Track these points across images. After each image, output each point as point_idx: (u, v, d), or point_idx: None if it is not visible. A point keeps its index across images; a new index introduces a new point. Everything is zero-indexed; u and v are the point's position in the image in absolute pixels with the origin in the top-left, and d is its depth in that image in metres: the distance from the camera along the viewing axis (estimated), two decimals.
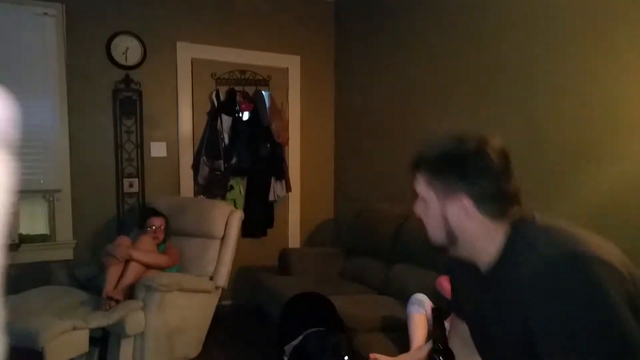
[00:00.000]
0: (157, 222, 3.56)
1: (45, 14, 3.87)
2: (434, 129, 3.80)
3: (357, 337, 2.68)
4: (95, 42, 4.06)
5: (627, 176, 2.51)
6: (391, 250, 3.70)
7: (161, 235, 3.55)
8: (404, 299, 3.23)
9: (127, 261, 3.23)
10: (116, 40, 4.10)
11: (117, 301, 3.01)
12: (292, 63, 4.88)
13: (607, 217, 2.57)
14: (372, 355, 2.33)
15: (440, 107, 3.75)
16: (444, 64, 3.71)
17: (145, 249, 3.34)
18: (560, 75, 2.86)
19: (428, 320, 2.59)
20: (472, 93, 3.47)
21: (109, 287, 3.11)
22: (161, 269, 3.34)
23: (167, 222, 3.63)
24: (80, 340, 2.74)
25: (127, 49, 4.15)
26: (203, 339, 3.46)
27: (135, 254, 3.25)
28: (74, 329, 2.70)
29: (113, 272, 3.19)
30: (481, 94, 3.40)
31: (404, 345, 2.52)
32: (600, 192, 2.63)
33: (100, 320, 2.84)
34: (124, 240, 3.36)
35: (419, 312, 2.61)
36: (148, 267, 3.28)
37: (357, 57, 4.77)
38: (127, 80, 4.15)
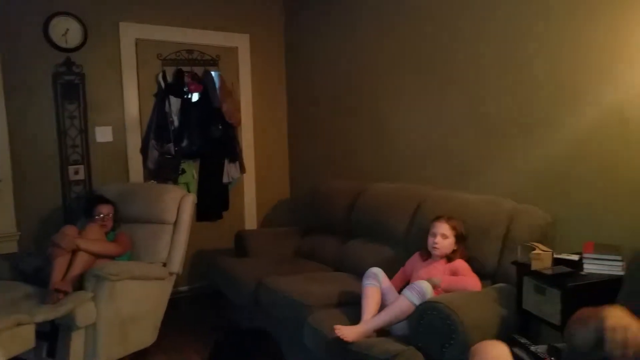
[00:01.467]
0: (104, 210, 3.46)
1: None
2: (384, 106, 3.82)
3: (313, 313, 2.69)
4: (31, 24, 3.85)
5: (565, 144, 2.58)
6: (345, 227, 3.72)
7: (109, 223, 3.46)
8: (359, 274, 3.26)
9: (75, 251, 3.13)
10: (54, 22, 3.90)
11: (66, 293, 2.92)
12: (241, 42, 4.78)
13: (553, 187, 2.65)
14: (335, 327, 2.37)
15: (391, 84, 3.77)
16: (394, 41, 3.71)
17: (93, 238, 3.24)
18: (501, 48, 2.91)
19: (382, 293, 2.61)
20: (421, 70, 3.51)
21: (55, 278, 3.00)
22: (111, 257, 3.25)
23: (115, 210, 3.52)
24: (25, 336, 2.65)
25: (67, 30, 3.96)
26: (158, 326, 3.40)
27: (83, 244, 3.14)
28: (18, 324, 2.60)
29: (60, 263, 3.08)
30: (429, 71, 3.44)
31: (359, 318, 2.53)
32: (547, 162, 2.70)
33: (47, 313, 2.74)
34: (70, 230, 3.24)
35: (373, 284, 2.62)
36: (97, 256, 3.18)
37: (308, 34, 4.71)
38: (68, 63, 3.98)
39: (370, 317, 2.49)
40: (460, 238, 2.63)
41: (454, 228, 2.62)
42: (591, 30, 2.43)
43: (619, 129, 2.33)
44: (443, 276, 2.52)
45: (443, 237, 2.61)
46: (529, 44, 2.74)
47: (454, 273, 2.55)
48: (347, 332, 2.36)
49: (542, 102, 2.68)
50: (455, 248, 2.61)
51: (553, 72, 2.62)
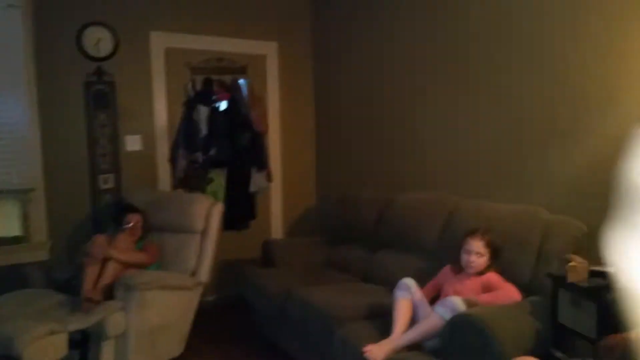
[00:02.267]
0: (133, 219, 3.47)
1: (10, 5, 3.71)
2: (413, 114, 3.77)
3: (343, 326, 2.65)
4: (65, 34, 3.91)
5: (599, 151, 2.53)
6: (374, 237, 3.67)
7: (138, 232, 3.47)
8: (389, 285, 3.22)
9: (105, 260, 3.14)
10: (87, 32, 3.97)
11: (97, 302, 2.93)
12: (269, 50, 4.78)
13: (588, 196, 2.59)
14: (365, 349, 2.35)
15: (420, 93, 3.73)
16: (423, 50, 3.68)
17: (123, 247, 3.26)
18: (533, 55, 2.87)
19: (414, 306, 2.56)
20: (450, 80, 3.47)
21: (87, 287, 3.03)
22: (140, 267, 3.26)
23: (144, 218, 3.54)
24: (58, 344, 2.67)
25: (99, 40, 4.02)
26: (186, 336, 3.40)
27: (114, 253, 3.17)
28: (52, 332, 2.63)
29: (91, 272, 3.11)
30: (461, 79, 3.39)
31: (389, 331, 2.50)
32: (582, 171, 2.64)
33: (78, 322, 2.77)
34: (100, 239, 3.27)
35: (405, 297, 2.58)
36: (127, 265, 3.19)
37: (336, 42, 4.69)
38: (99, 72, 4.03)
39: (401, 332, 2.45)
40: (494, 254, 2.56)
41: (488, 245, 2.54)
42: (631, 35, 2.37)
43: None
44: (478, 296, 2.43)
45: (478, 256, 2.53)
46: (565, 50, 2.68)
47: (487, 287, 2.48)
48: (377, 352, 2.34)
49: (578, 107, 2.63)
50: (489, 264, 2.55)
51: (589, 77, 2.57)
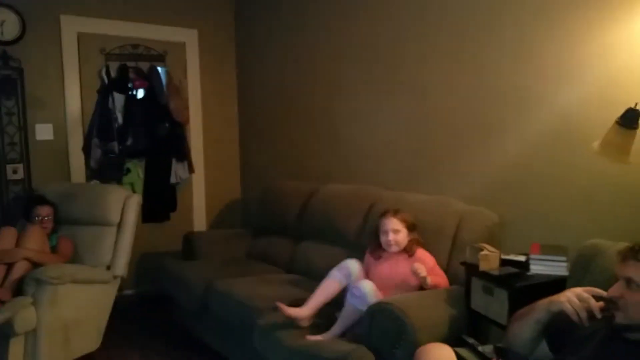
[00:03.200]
0: (43, 212, 3.32)
1: None
2: (336, 106, 3.83)
3: (263, 317, 2.65)
4: None
5: (515, 148, 2.66)
6: (297, 228, 3.70)
7: (49, 225, 3.33)
8: (311, 276, 3.27)
9: None
10: None
11: (4, 302, 2.77)
12: (189, 37, 4.68)
13: (501, 189, 2.72)
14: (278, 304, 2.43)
15: (341, 85, 3.78)
16: (343, 41, 3.72)
17: (36, 243, 3.12)
18: (452, 53, 2.96)
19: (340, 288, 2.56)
20: (370, 72, 3.53)
21: None
22: None
23: (55, 211, 3.39)
24: None
25: (3, 22, 3.79)
26: (103, 331, 3.29)
27: (27, 253, 3.03)
28: None
29: None
30: (380, 71, 3.45)
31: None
32: (496, 164, 2.76)
33: None
34: (9, 232, 3.12)
35: (335, 279, 2.57)
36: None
37: (258, 31, 4.66)
38: (5, 57, 3.79)
39: (311, 307, 2.49)
40: (411, 228, 2.62)
41: (403, 220, 2.61)
42: (545, 35, 2.49)
43: (568, 133, 2.40)
44: (429, 275, 2.44)
45: (395, 232, 2.59)
46: (480, 46, 2.79)
47: (429, 270, 2.50)
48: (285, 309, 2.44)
49: (493, 105, 2.74)
50: (410, 239, 2.61)
51: (505, 77, 2.68)
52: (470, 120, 2.88)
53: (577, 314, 1.42)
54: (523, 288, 2.06)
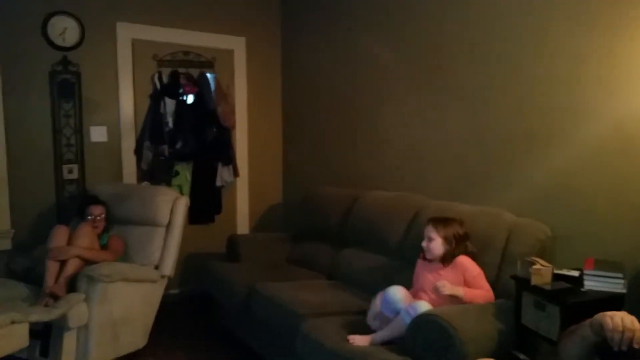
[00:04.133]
0: (96, 211, 3.43)
1: None
2: (381, 113, 3.83)
3: (306, 322, 2.66)
4: (30, 23, 3.84)
5: (567, 159, 2.61)
6: (340, 234, 3.70)
7: (101, 224, 3.44)
8: (352, 282, 3.29)
9: None
10: (53, 21, 3.90)
11: (58, 297, 2.89)
12: (237, 45, 4.78)
13: (553, 201, 2.67)
14: (350, 337, 2.40)
15: (388, 91, 3.78)
16: (394, 48, 3.72)
17: (86, 240, 3.22)
18: (503, 63, 2.93)
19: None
20: (421, 79, 3.51)
21: (49, 281, 2.99)
22: None
23: (107, 210, 3.50)
24: (20, 334, 2.64)
25: (65, 29, 3.96)
26: (149, 329, 3.38)
27: (78, 251, 3.14)
28: (13, 322, 2.58)
29: (52, 265, 3.06)
30: (429, 80, 3.44)
31: (355, 328, 2.53)
32: (548, 176, 2.71)
33: (41, 314, 2.72)
34: (62, 230, 3.24)
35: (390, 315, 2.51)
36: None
37: (304, 39, 4.72)
38: (65, 62, 3.97)
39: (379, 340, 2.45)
40: (449, 239, 2.57)
41: (438, 229, 2.58)
42: (594, 45, 2.46)
43: (622, 144, 2.36)
44: (465, 291, 2.43)
45: (429, 240, 2.58)
46: (533, 57, 2.76)
47: (469, 278, 2.49)
48: (359, 340, 2.40)
49: (544, 116, 2.70)
50: (447, 249, 2.56)
51: (556, 86, 2.64)
52: (520, 130, 2.83)
53: (612, 333, 1.40)
54: (576, 304, 2.01)
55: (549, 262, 2.28)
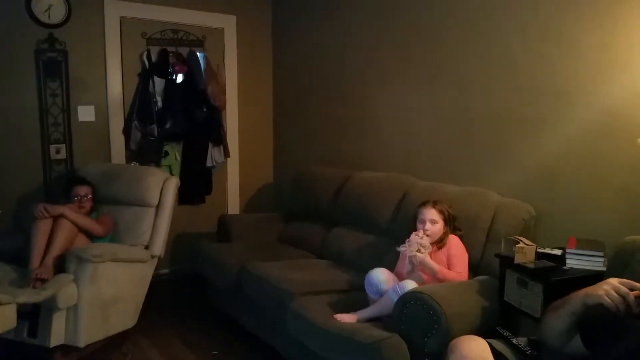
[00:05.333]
0: (82, 191, 3.40)
1: None
2: (371, 94, 3.82)
3: (296, 300, 2.70)
4: None
5: (554, 141, 2.62)
6: (330, 214, 3.73)
7: (88, 205, 3.40)
8: (342, 261, 3.31)
9: (56, 222, 3.09)
10: None
11: (45, 280, 2.88)
12: (227, 23, 4.73)
13: (538, 182, 2.69)
14: (336, 316, 2.42)
15: (379, 73, 3.77)
16: (383, 28, 3.71)
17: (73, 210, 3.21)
18: (491, 45, 2.93)
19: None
20: (409, 60, 3.51)
21: (35, 262, 2.95)
22: (92, 236, 3.24)
23: (94, 191, 3.47)
24: (7, 315, 2.60)
25: (50, 6, 3.89)
26: (140, 308, 3.39)
27: (64, 210, 3.12)
28: (0, 303, 2.57)
29: (39, 241, 3.03)
30: (417, 61, 3.44)
31: (344, 306, 2.57)
32: (533, 158, 2.73)
33: (29, 296, 2.70)
34: (45, 205, 3.20)
35: (374, 296, 2.56)
36: (79, 229, 3.16)
37: (295, 18, 4.68)
38: (51, 39, 3.91)
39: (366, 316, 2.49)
40: (449, 220, 2.63)
41: (441, 212, 2.62)
42: (586, 30, 2.46)
43: (609, 129, 2.37)
44: (440, 267, 2.48)
45: (432, 223, 2.60)
46: (521, 40, 2.76)
47: (449, 257, 2.55)
48: (346, 318, 2.43)
49: (532, 98, 2.71)
50: (444, 231, 2.61)
51: (544, 70, 2.65)
52: (508, 113, 2.85)
53: (617, 307, 1.41)
54: (559, 282, 2.05)
55: (532, 241, 2.32)
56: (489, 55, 2.94)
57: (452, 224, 2.65)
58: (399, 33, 3.56)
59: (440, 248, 2.60)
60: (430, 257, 2.51)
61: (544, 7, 2.63)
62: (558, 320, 1.58)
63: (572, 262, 2.17)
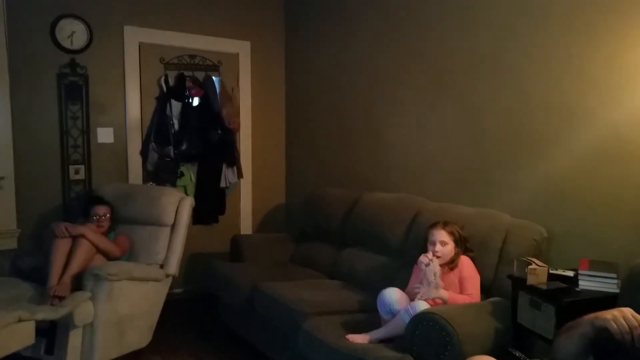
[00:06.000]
0: (101, 211, 3.48)
1: None
2: (381, 116, 3.88)
3: (308, 320, 2.71)
4: (39, 25, 3.91)
5: (564, 162, 2.65)
6: (341, 235, 3.76)
7: (106, 224, 3.48)
8: (354, 282, 3.33)
9: (74, 243, 3.16)
10: (61, 24, 3.97)
11: (63, 298, 2.94)
12: (242, 48, 4.84)
13: (549, 203, 2.71)
14: (349, 336, 2.44)
15: (389, 95, 3.83)
16: (392, 52, 3.78)
17: (92, 230, 3.28)
18: (500, 66, 2.98)
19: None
20: (419, 82, 3.56)
21: (53, 279, 3.02)
22: (109, 256, 3.29)
23: (112, 211, 3.55)
24: (26, 332, 2.67)
25: (73, 32, 4.02)
26: (154, 327, 3.43)
27: (84, 230, 3.19)
28: (20, 320, 2.63)
29: (58, 259, 3.10)
30: (427, 83, 3.49)
31: (356, 326, 2.59)
32: (544, 178, 2.75)
33: (46, 313, 2.75)
34: (64, 224, 3.27)
35: (387, 318, 2.56)
36: (97, 250, 3.22)
37: (307, 43, 4.78)
38: (73, 64, 4.04)
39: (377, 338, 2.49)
40: (460, 242, 2.64)
41: (451, 233, 2.64)
42: (594, 51, 2.50)
43: (619, 149, 2.40)
44: (450, 293, 2.49)
45: (442, 244, 2.62)
46: (529, 61, 2.80)
47: (461, 279, 2.56)
48: (358, 339, 2.45)
49: (542, 119, 2.74)
50: (456, 252, 2.63)
51: (553, 90, 2.68)
52: (518, 134, 2.88)
53: (622, 335, 1.43)
54: (571, 303, 2.05)
55: (544, 262, 2.33)
56: (499, 77, 2.98)
57: (463, 245, 2.67)
58: (410, 56, 3.62)
59: (452, 269, 2.61)
60: (442, 279, 2.52)
61: (552, 29, 2.68)
62: (570, 342, 1.58)
63: (584, 284, 2.17)
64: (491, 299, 2.53)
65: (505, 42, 2.94)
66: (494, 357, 1.77)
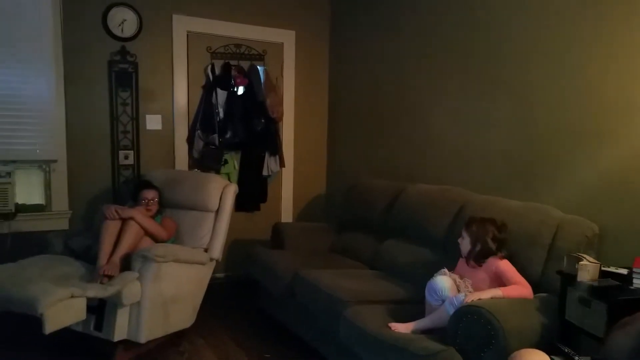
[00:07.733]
0: (150, 195, 3.57)
1: None
2: (428, 106, 3.84)
3: (348, 309, 2.72)
4: (91, 13, 4.04)
5: (617, 156, 2.57)
6: (383, 226, 3.74)
7: (154, 208, 3.57)
8: (394, 273, 3.32)
9: (123, 225, 3.26)
10: (112, 12, 4.09)
11: (112, 277, 3.04)
12: (287, 38, 4.87)
13: (602, 199, 2.63)
14: (391, 325, 2.44)
15: (435, 85, 3.78)
16: (439, 42, 3.73)
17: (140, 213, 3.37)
18: (555, 56, 2.89)
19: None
20: (467, 72, 3.50)
21: (102, 259, 3.11)
22: (156, 239, 3.38)
23: (160, 195, 3.64)
24: (78, 308, 2.78)
25: (124, 20, 4.14)
26: (197, 309, 3.51)
27: (133, 212, 3.29)
28: (72, 296, 2.73)
29: (108, 240, 3.20)
30: (476, 73, 3.43)
31: (397, 316, 2.58)
32: (597, 173, 2.67)
33: (97, 291, 2.85)
34: (113, 206, 3.38)
35: (434, 304, 2.55)
36: (145, 232, 3.31)
37: (352, 33, 4.76)
38: (123, 52, 4.14)
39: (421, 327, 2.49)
40: (477, 240, 2.58)
41: (467, 230, 2.63)
42: None
43: None
44: (502, 289, 2.41)
45: (461, 239, 2.67)
46: (583, 50, 2.72)
47: (498, 277, 2.51)
48: (401, 328, 2.45)
49: (595, 112, 2.66)
50: (473, 249, 2.59)
51: (607, 82, 2.60)
52: (569, 126, 2.80)
53: None
54: (624, 302, 1.98)
55: (596, 259, 2.26)
56: (550, 65, 2.90)
57: (494, 244, 2.57)
58: (457, 44, 3.56)
59: (480, 265, 2.57)
60: (470, 276, 2.55)
61: (607, 19, 2.60)
62: (628, 339, 1.54)
63: (639, 282, 2.09)
64: (538, 295, 2.47)
65: (561, 29, 2.84)
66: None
